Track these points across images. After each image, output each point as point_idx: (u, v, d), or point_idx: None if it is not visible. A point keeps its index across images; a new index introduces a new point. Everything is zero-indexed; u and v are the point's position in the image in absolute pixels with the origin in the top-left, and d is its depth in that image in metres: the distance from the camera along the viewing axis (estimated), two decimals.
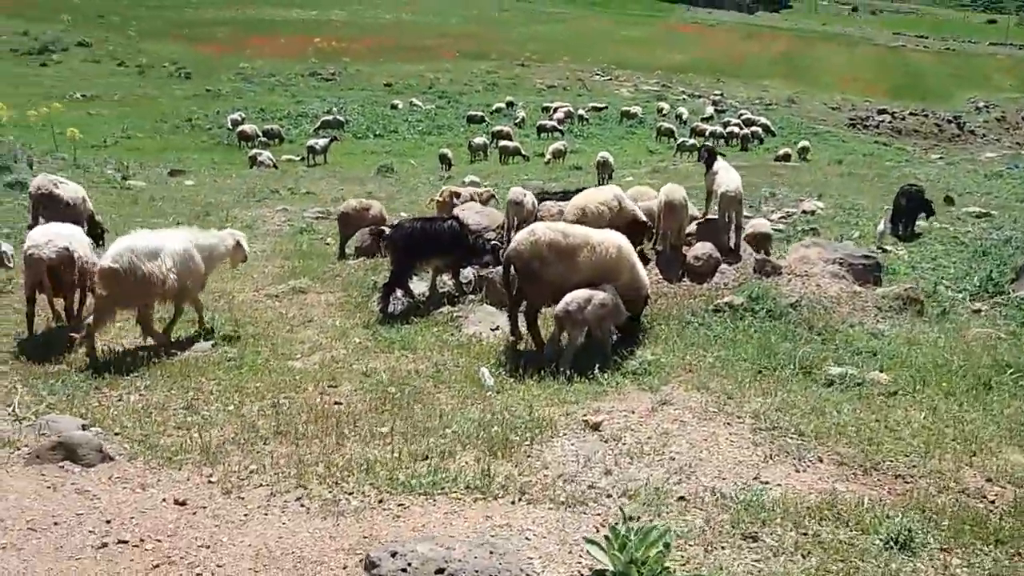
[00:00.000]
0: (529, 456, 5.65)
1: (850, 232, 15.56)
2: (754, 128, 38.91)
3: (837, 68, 73.31)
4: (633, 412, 6.59)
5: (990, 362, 7.61)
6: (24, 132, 27.38)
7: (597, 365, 7.69)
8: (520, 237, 8.24)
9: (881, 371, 7.46)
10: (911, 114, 53.98)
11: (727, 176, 10.00)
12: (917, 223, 16.16)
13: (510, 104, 47.14)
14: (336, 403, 6.88)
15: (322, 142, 32.61)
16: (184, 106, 44.86)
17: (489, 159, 34.79)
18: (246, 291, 10.67)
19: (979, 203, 20.88)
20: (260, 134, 35.68)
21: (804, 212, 17.88)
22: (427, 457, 5.62)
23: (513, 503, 4.94)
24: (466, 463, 5.49)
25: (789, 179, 25.35)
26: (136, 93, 48.66)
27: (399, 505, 4.91)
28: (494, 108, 44.18)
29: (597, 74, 63.64)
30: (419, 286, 10.24)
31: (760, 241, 10.54)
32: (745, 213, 18.08)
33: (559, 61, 67.51)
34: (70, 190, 11.55)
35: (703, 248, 9.79)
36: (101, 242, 13.45)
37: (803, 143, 34.82)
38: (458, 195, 15.21)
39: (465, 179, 24.13)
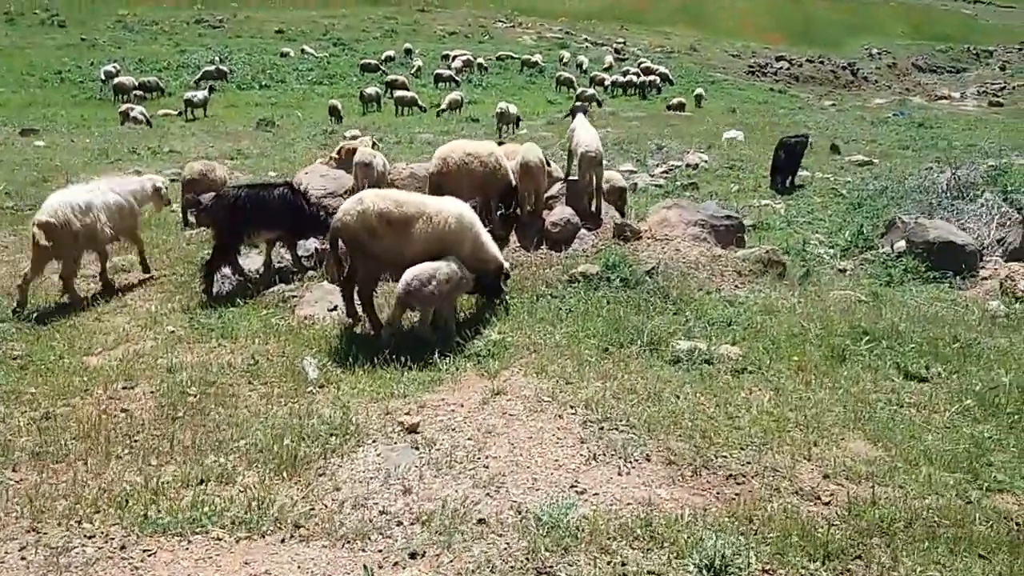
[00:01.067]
0: (323, 474, 4.91)
1: (729, 186, 15.24)
2: (652, 77, 38.55)
3: (738, 15, 73.59)
4: (462, 405, 5.93)
5: (846, 329, 7.22)
6: None
7: (436, 350, 7.00)
8: (347, 207, 7.39)
9: (733, 344, 6.98)
10: (808, 61, 54.70)
11: (586, 135, 9.30)
12: (799, 173, 15.94)
13: (408, 52, 45.55)
14: (123, 410, 5.99)
15: (201, 94, 30.65)
16: (55, 57, 41.64)
17: (383, 110, 33.42)
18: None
19: (863, 151, 21.00)
20: (136, 87, 33.32)
21: (688, 166, 17.51)
22: (202, 481, 4.82)
23: (283, 541, 4.21)
24: (244, 488, 4.72)
25: (681, 130, 25.07)
26: (2, 43, 44.94)
27: (144, 551, 4.11)
28: (384, 56, 42.35)
29: (500, 21, 62.22)
30: (257, 260, 9.31)
31: (615, 196, 9.91)
32: (630, 167, 17.74)
33: (461, 7, 65.73)
34: None
35: (561, 213, 9.12)
36: None
37: (698, 91, 34.66)
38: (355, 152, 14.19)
39: (345, 133, 22.93)
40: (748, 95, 40.02)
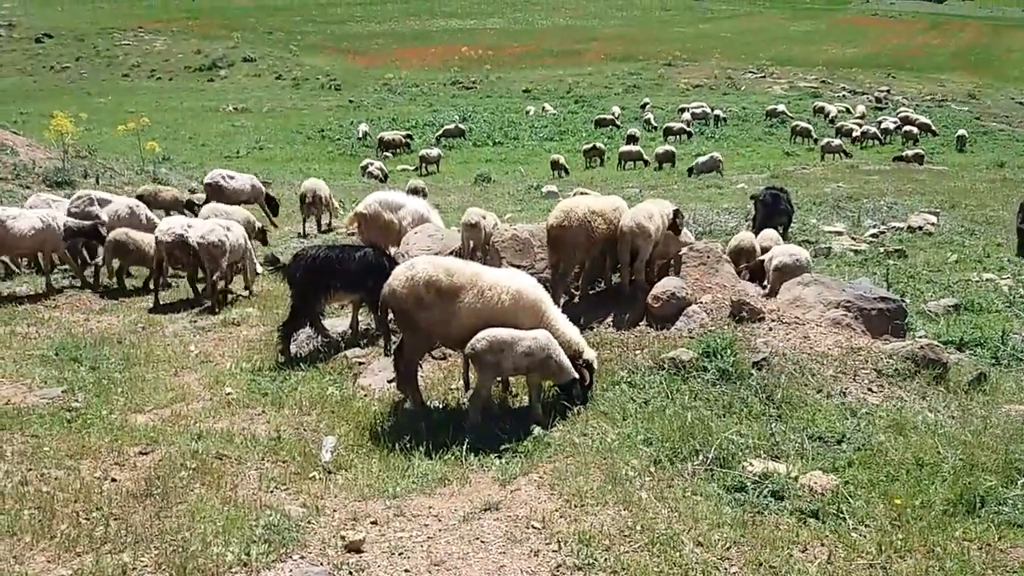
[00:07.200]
0: None
1: (946, 255, 12.71)
2: (909, 127, 34.55)
3: None
4: (440, 519, 4.96)
5: (999, 463, 5.25)
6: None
7: (467, 439, 6.08)
8: (397, 272, 6.73)
9: (831, 471, 5.33)
10: None
11: (634, 208, 8.18)
12: None
13: (642, 106, 45.04)
14: (113, 479, 5.69)
15: (435, 151, 32.13)
16: (323, 117, 45.98)
17: (606, 165, 32.92)
18: (182, 320, 9.79)
19: None
20: (385, 143, 35.80)
21: (910, 228, 14.99)
22: None
23: None
24: None
25: (927, 186, 21.99)
26: (285, 105, 50.53)
27: None
28: (613, 111, 41.92)
29: (750, 72, 59.79)
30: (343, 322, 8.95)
31: (741, 259, 8.36)
32: (838, 228, 15.57)
33: (711, 59, 64.11)
34: None
35: (665, 286, 7.76)
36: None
37: (961, 132, 30.51)
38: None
39: (542, 188, 22.71)
40: None
